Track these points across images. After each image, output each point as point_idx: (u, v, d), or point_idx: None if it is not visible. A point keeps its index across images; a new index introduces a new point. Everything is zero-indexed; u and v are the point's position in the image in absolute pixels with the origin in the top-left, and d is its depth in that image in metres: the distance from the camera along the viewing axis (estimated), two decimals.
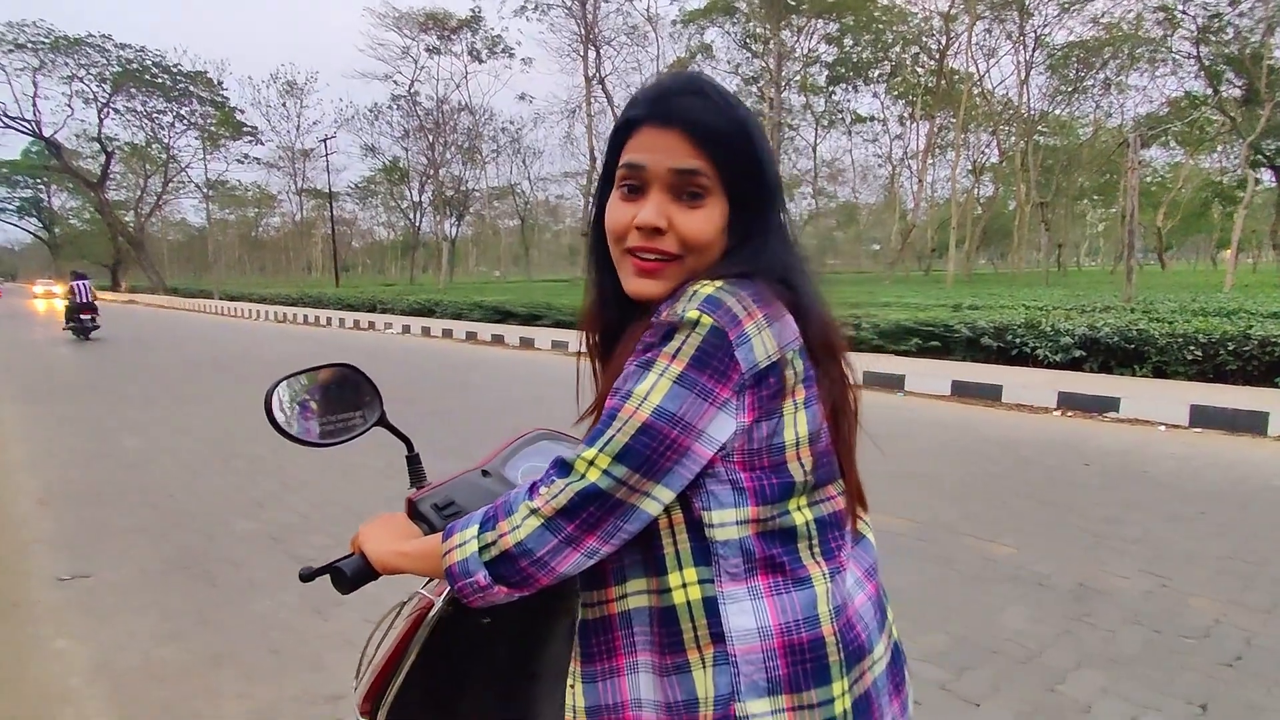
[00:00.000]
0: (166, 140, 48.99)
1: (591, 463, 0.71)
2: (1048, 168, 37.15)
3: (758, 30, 35.07)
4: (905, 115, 42.00)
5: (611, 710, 0.77)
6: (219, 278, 49.74)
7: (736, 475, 0.73)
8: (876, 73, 39.22)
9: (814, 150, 42.93)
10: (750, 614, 0.73)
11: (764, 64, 35.49)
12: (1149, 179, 39.21)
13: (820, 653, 0.73)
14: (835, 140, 54.82)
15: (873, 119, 43.86)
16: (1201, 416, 6.08)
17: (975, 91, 36.35)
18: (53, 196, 57.59)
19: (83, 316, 15.59)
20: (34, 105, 43.33)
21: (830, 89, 40.00)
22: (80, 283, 15.87)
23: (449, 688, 1.08)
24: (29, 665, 2.61)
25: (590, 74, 31.87)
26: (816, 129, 42.62)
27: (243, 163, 52.34)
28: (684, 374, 0.70)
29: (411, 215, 53.41)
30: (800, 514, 0.76)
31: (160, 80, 44.83)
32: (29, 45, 39.61)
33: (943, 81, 33.99)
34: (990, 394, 7.38)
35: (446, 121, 42.91)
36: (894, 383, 8.18)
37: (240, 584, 3.24)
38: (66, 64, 41.46)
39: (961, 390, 7.61)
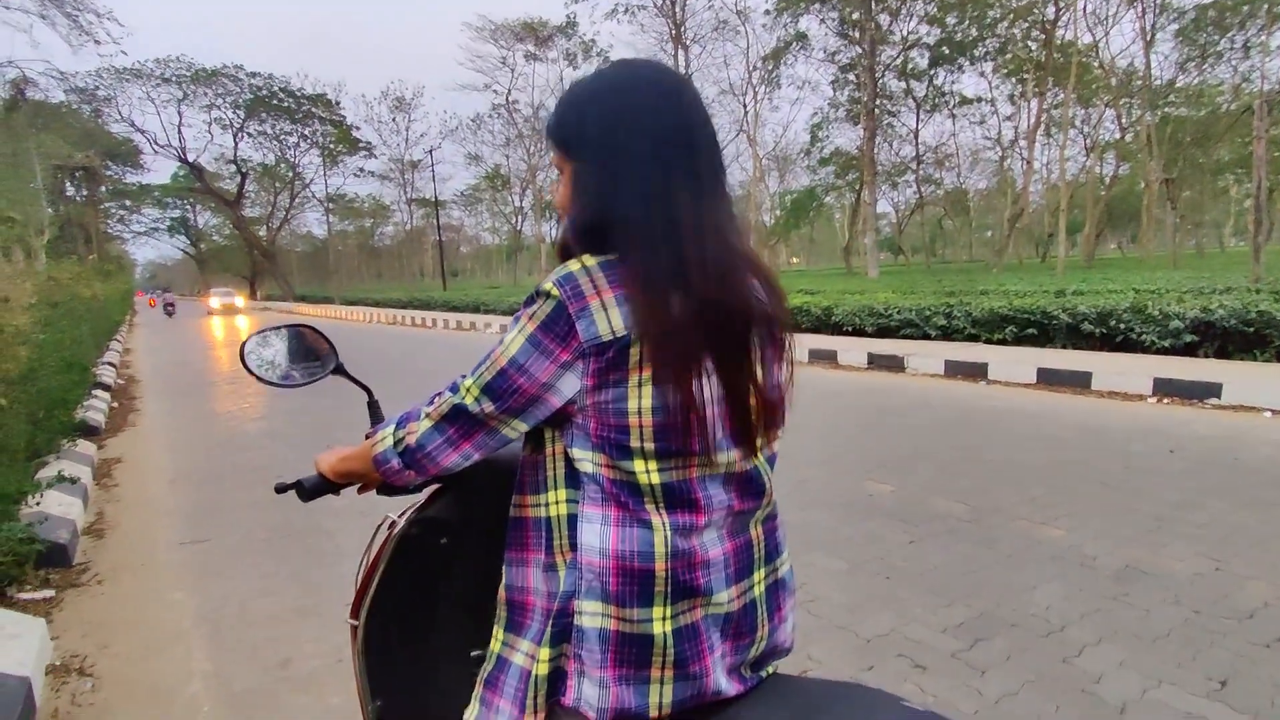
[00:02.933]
0: (292, 159, 53.00)
1: (468, 388, 0.90)
2: (1177, 142, 34.20)
3: (854, 16, 34.13)
4: (1016, 94, 39.78)
5: (520, 591, 0.96)
6: (339, 285, 53.30)
7: (588, 426, 0.88)
8: (982, 51, 37.30)
9: (915, 137, 41.24)
10: (597, 535, 0.87)
11: (861, 49, 34.53)
12: None
13: (648, 582, 0.86)
14: (939, 124, 52.53)
15: (979, 100, 41.77)
16: None
17: (1095, 64, 33.98)
18: (197, 215, 63.30)
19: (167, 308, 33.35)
20: (179, 133, 48.18)
21: (932, 71, 38.36)
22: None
23: (419, 600, 1.27)
24: (149, 611, 3.08)
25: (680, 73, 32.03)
26: (919, 114, 40.98)
27: (358, 176, 55.92)
28: (533, 334, 0.86)
29: (514, 220, 55.32)
30: (646, 476, 0.87)
31: (286, 104, 48.50)
32: (173, 79, 43.81)
33: (1054, 55, 31.95)
34: (1079, 381, 7.05)
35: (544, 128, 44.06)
36: (977, 371, 7.93)
37: (330, 549, 3.65)
38: (205, 94, 45.63)
39: (1048, 378, 7.30)
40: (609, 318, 0.84)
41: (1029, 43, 35.50)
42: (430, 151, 45.40)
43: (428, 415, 0.93)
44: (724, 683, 0.91)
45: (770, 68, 37.04)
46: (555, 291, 0.85)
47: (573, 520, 0.90)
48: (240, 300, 38.71)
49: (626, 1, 33.63)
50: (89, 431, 6.37)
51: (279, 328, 1.39)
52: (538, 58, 43.23)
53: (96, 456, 5.73)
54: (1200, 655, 2.34)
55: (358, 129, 53.08)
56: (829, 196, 51.26)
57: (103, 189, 46.94)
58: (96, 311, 13.63)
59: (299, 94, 48.44)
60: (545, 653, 0.89)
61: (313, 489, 1.13)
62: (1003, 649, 2.44)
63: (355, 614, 1.27)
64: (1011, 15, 34.16)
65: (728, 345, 0.89)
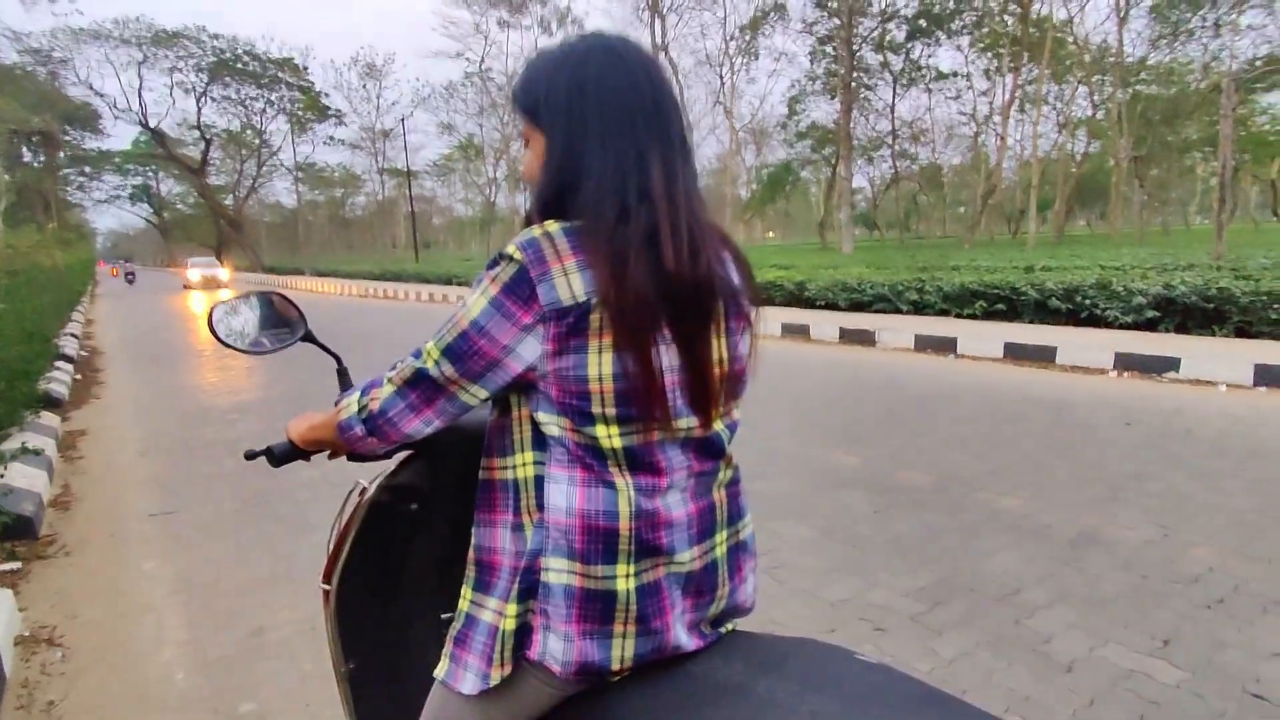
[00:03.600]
0: (259, 125, 51.66)
1: (429, 352, 0.91)
2: (1147, 119, 34.65)
3: None
4: (991, 69, 39.93)
5: (488, 551, 0.97)
6: (310, 256, 52.37)
7: (550, 392, 0.88)
8: (959, 24, 37.33)
9: (891, 111, 41.30)
10: (564, 495, 0.89)
11: (839, 21, 34.35)
12: (1267, 127, 36.08)
13: (612, 540, 0.88)
14: (915, 99, 52.52)
15: (955, 75, 41.89)
16: (1267, 375, 5.81)
17: (1069, 40, 34.18)
18: (160, 183, 61.54)
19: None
20: (140, 97, 46.60)
21: (909, 45, 38.33)
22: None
23: (389, 564, 1.29)
24: (119, 581, 3.08)
25: (656, 42, 31.65)
26: (895, 88, 40.99)
27: (329, 144, 54.81)
28: (495, 297, 0.86)
29: (487, 191, 54.62)
30: (609, 440, 0.88)
31: (251, 68, 47.16)
32: (133, 40, 42.34)
33: (1030, 30, 32.08)
34: (1044, 356, 7.22)
35: None
36: (946, 346, 8.07)
37: (300, 520, 3.65)
38: (166, 56, 44.19)
39: (1015, 352, 7.46)
40: (570, 283, 0.85)
41: (1005, 17, 35.58)
42: (402, 120, 44.54)
43: (390, 380, 0.95)
44: (684, 638, 0.94)
45: (748, 38, 36.74)
46: (518, 255, 0.85)
47: (539, 481, 0.91)
48: (225, 273, 31.15)
49: None
50: (52, 403, 6.26)
51: (247, 295, 1.39)
52: (511, 25, 42.47)
53: (60, 429, 5.64)
54: (1146, 617, 2.45)
55: (327, 96, 51.98)
56: (805, 171, 51.29)
57: (61, 155, 45.42)
58: (57, 281, 13.29)
59: (264, 58, 47.13)
60: (512, 608, 0.91)
61: (282, 455, 1.15)
62: (960, 612, 2.53)
63: (327, 578, 1.29)
64: None
65: (689, 315, 0.90)
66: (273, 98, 49.96)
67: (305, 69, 48.91)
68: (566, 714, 0.96)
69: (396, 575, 1.31)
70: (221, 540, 3.47)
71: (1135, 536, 3.09)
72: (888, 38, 37.40)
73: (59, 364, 8.12)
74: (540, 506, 0.91)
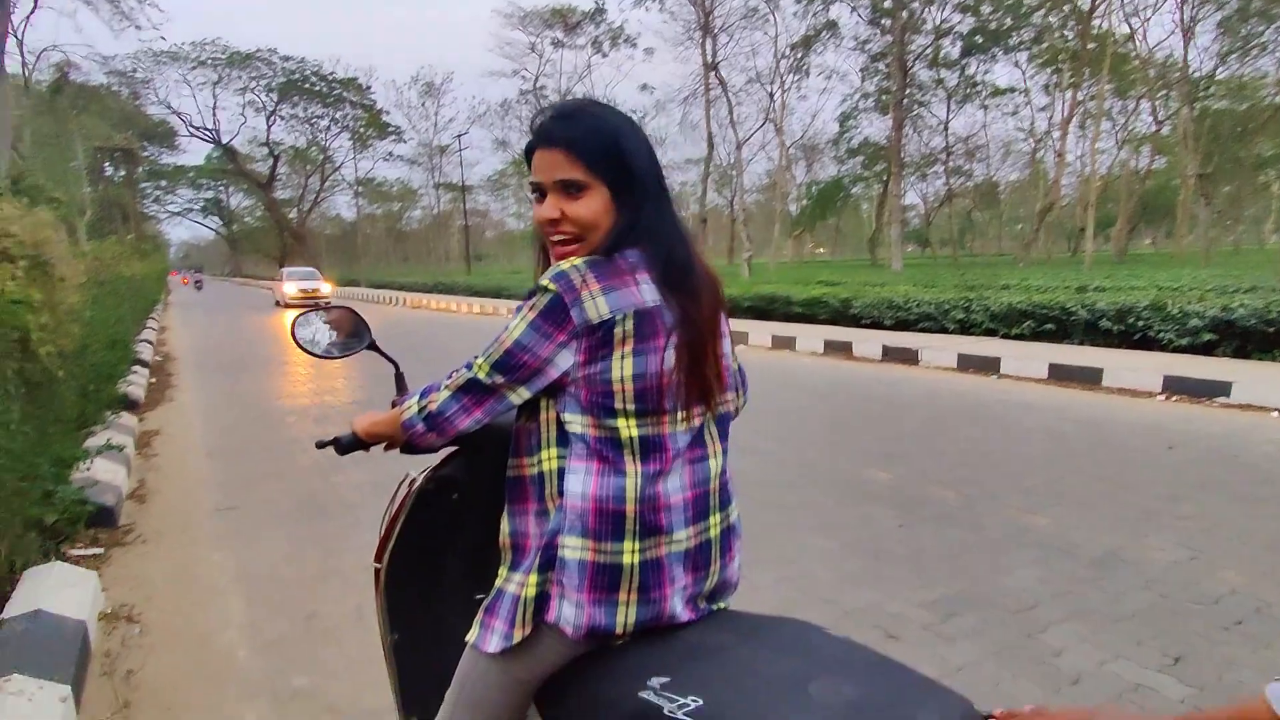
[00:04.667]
0: (323, 142, 53.70)
1: (479, 365, 1.10)
2: (1216, 135, 33.41)
3: (885, 3, 33.70)
4: (1052, 84, 39.08)
5: (520, 536, 1.14)
6: (367, 267, 53.99)
7: (579, 394, 1.06)
8: (1017, 40, 36.68)
9: (945, 128, 40.73)
10: (580, 484, 1.06)
11: (892, 39, 34.12)
12: None
13: (620, 521, 1.05)
14: (971, 115, 51.66)
15: (1013, 90, 41.13)
16: None
17: (1132, 55, 33.26)
18: (230, 197, 64.36)
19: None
20: (214, 115, 48.81)
21: (964, 61, 37.81)
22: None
23: (433, 548, 1.46)
24: (191, 568, 3.35)
25: (707, 61, 31.90)
26: (949, 104, 40.44)
27: (388, 160, 56.46)
28: (534, 320, 1.05)
29: None
30: (627, 430, 1.06)
31: (318, 88, 49.08)
32: (209, 62, 44.54)
33: (1090, 45, 31.34)
34: (1089, 377, 7.12)
35: None
36: (990, 366, 8.01)
37: (350, 519, 3.89)
38: (240, 77, 46.35)
39: (1059, 373, 7.37)
40: (596, 305, 1.03)
41: (1065, 32, 34.84)
42: (458, 137, 45.79)
43: (446, 387, 1.14)
44: (680, 609, 1.09)
45: (799, 56, 36.74)
46: (552, 286, 1.04)
47: (561, 473, 1.09)
48: (328, 287, 26.29)
49: None
50: (130, 405, 6.70)
51: (323, 308, 1.63)
52: (565, 44, 43.28)
53: (137, 428, 6.05)
54: (1161, 635, 2.49)
55: (388, 113, 53.58)
56: (856, 187, 50.84)
57: (140, 170, 47.89)
58: (135, 290, 14.09)
59: (330, 78, 49.02)
60: (533, 578, 1.07)
61: (347, 445, 1.34)
62: (973, 623, 2.60)
63: (379, 559, 1.47)
64: (1048, 3, 33.53)
65: (690, 324, 1.08)
66: (337, 116, 51.90)
67: (368, 88, 50.70)
68: (575, 670, 1.10)
69: (438, 558, 1.48)
70: (279, 535, 3.73)
71: (1162, 557, 3.11)
72: (942, 54, 36.95)
73: (136, 368, 8.65)
74: (560, 493, 1.08)
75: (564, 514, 1.06)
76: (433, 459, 1.42)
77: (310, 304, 23.21)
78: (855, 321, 12.23)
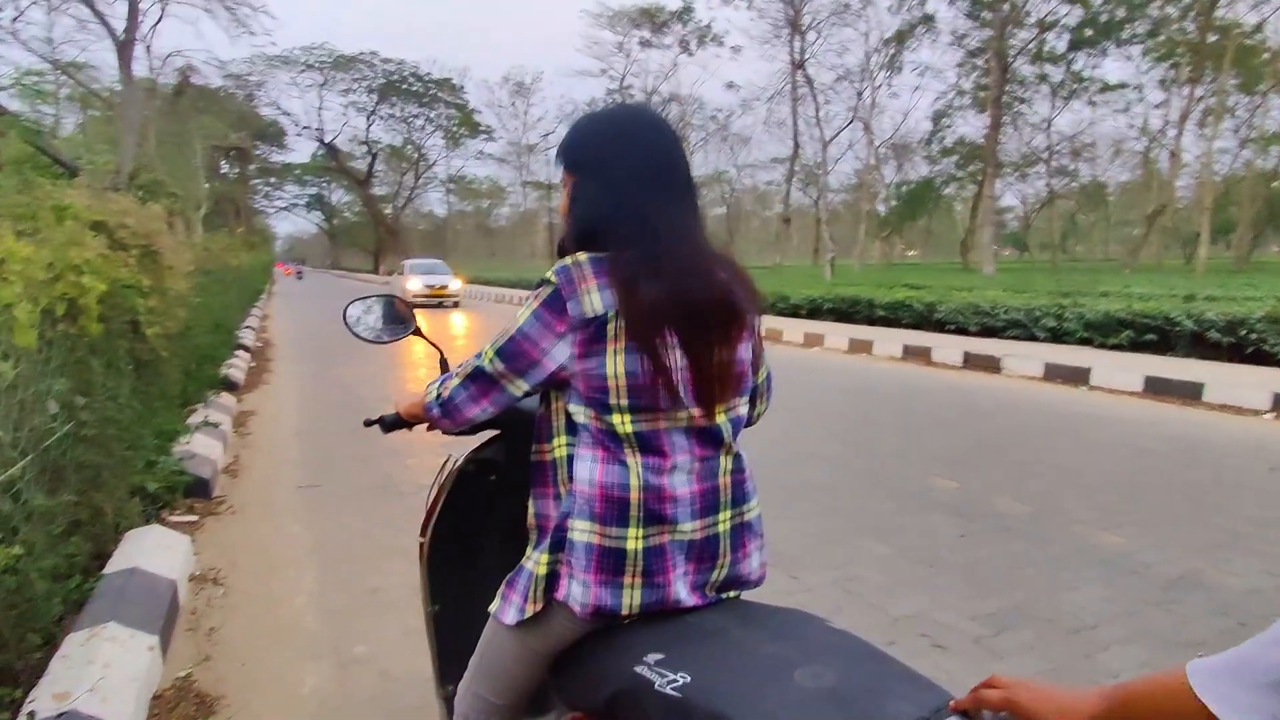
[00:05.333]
0: (418, 141, 55.85)
1: (486, 353, 1.16)
2: None
3: None
4: (1169, 79, 36.58)
5: (541, 518, 1.20)
6: (456, 262, 55.81)
7: (578, 387, 1.11)
8: (1130, 33, 34.48)
9: (1048, 125, 38.73)
10: (588, 470, 1.10)
11: (992, 33, 32.72)
12: None
13: (624, 508, 1.08)
14: (1077, 112, 48.87)
15: (1125, 86, 38.69)
16: None
17: (1263, 47, 30.76)
18: (331, 193, 67.77)
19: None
20: (319, 115, 51.58)
21: (1071, 55, 35.83)
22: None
23: (472, 526, 1.56)
24: (272, 539, 3.60)
25: (795, 59, 31.47)
26: (1054, 101, 38.41)
27: (478, 158, 58.72)
28: (537, 310, 1.10)
29: None
30: (623, 426, 1.09)
31: (415, 88, 51.09)
32: (316, 65, 47.02)
33: (1212, 37, 29.18)
34: (1189, 392, 6.68)
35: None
36: (1078, 376, 7.63)
37: (419, 501, 4.07)
38: (343, 79, 48.76)
39: (1156, 387, 6.95)
40: (591, 301, 1.07)
41: (1185, 24, 32.54)
42: (546, 135, 46.78)
43: (456, 375, 1.22)
44: (684, 594, 1.11)
45: (892, 52, 35.74)
46: (553, 279, 1.10)
47: (571, 459, 1.14)
48: (458, 283, 22.33)
49: None
50: (230, 386, 7.20)
51: (374, 297, 1.72)
52: (652, 44, 43.54)
53: (235, 408, 6.50)
54: None
55: (479, 113, 55.21)
56: (949, 187, 49.01)
57: (251, 167, 51.05)
58: (242, 280, 15.06)
59: (427, 79, 50.93)
60: (545, 558, 1.12)
61: (390, 424, 1.46)
62: (1026, 639, 2.52)
63: (423, 533, 1.57)
64: None
65: (692, 325, 1.09)
66: (432, 115, 53.92)
67: (461, 88, 52.44)
68: (585, 646, 1.15)
69: (476, 535, 1.56)
70: (353, 513, 3.95)
71: (1241, 584, 2.92)
72: (1046, 49, 35.14)
73: (238, 353, 9.27)
74: (571, 479, 1.13)
75: (574, 499, 1.11)
76: (473, 441, 1.48)
77: (436, 303, 20.02)
78: (939, 327, 11.85)
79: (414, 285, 21.07)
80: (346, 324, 1.67)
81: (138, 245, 3.83)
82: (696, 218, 1.18)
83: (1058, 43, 35.41)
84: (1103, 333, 9.76)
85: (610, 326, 1.07)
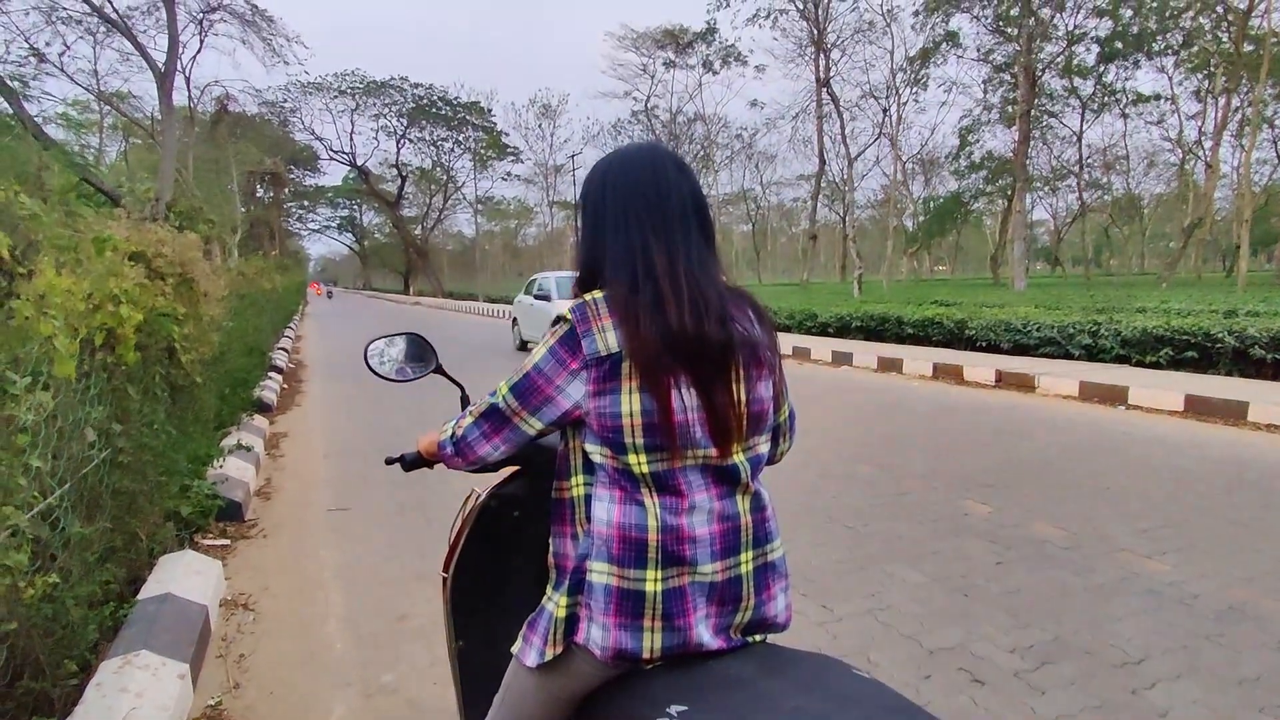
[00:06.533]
0: (447, 163, 56.67)
1: (500, 390, 1.17)
2: None
3: (1011, 12, 32.10)
4: (1203, 89, 35.90)
5: (561, 557, 1.19)
6: (485, 282, 56.37)
7: (593, 426, 1.10)
8: (1162, 44, 33.96)
9: (1079, 138, 38.19)
10: (605, 511, 1.10)
11: (1018, 47, 32.44)
12: None
13: (642, 549, 1.07)
14: (1108, 125, 48.21)
15: (1158, 97, 38.05)
16: None
17: None
18: (362, 215, 69.03)
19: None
20: (351, 140, 52.72)
21: (1101, 68, 35.35)
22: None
23: (496, 562, 1.54)
24: (303, 563, 3.62)
25: (819, 77, 31.45)
26: (1083, 114, 37.87)
27: (505, 179, 58.88)
28: (552, 347, 1.11)
29: None
30: (639, 466, 1.08)
31: (444, 112, 51.90)
32: (348, 91, 48.07)
33: (1246, 47, 28.63)
34: (1233, 411, 6.47)
35: (681, 132, 44.76)
36: (1115, 395, 7.44)
37: (448, 526, 4.08)
38: (374, 104, 49.69)
39: (1198, 406, 6.74)
40: (605, 339, 1.07)
41: (1219, 34, 31.99)
42: (572, 156, 47.22)
43: (470, 413, 1.23)
44: (706, 638, 1.09)
45: (917, 69, 35.57)
46: (569, 316, 1.11)
47: (588, 499, 1.13)
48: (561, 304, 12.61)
49: (769, 6, 33.46)
50: (263, 408, 7.32)
51: (396, 335, 1.74)
52: (677, 64, 43.85)
53: (268, 430, 6.59)
54: None
55: (506, 135, 55.91)
56: (978, 202, 48.47)
57: (285, 191, 52.13)
58: (275, 302, 15.34)
59: (455, 102, 51.72)
60: (564, 600, 1.11)
61: (411, 462, 1.46)
62: (1069, 674, 2.44)
63: (446, 568, 1.56)
64: (1198, 4, 30.93)
65: (703, 364, 1.08)
66: (460, 138, 54.65)
67: (489, 111, 53.14)
68: (608, 693, 1.14)
69: (501, 571, 1.55)
70: (382, 537, 3.97)
71: None
72: (1075, 61, 34.75)
73: (271, 374, 9.43)
74: (589, 519, 1.13)
75: (591, 539, 1.11)
76: (495, 477, 1.49)
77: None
78: (970, 344, 11.66)
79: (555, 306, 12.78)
80: (367, 362, 1.69)
81: (173, 273, 3.91)
82: (705, 250, 1.16)
83: (1087, 55, 35.04)
84: (1140, 350, 9.51)
85: (625, 365, 1.07)
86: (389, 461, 1.52)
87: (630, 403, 1.06)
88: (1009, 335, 11.10)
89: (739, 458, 1.13)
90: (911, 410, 7.44)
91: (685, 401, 1.07)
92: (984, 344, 11.44)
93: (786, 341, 13.44)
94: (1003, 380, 8.83)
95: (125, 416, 2.98)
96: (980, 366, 9.32)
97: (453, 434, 1.25)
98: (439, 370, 1.72)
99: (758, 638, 1.17)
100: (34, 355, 2.14)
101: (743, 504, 1.15)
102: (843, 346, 12.34)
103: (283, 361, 11.48)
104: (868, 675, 1.04)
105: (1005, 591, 3.07)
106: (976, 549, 3.55)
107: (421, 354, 1.73)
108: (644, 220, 1.13)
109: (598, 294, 1.12)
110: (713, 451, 1.10)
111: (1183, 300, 15.10)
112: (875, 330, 13.80)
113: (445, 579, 1.56)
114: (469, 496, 1.58)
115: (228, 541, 3.86)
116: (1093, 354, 10.02)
